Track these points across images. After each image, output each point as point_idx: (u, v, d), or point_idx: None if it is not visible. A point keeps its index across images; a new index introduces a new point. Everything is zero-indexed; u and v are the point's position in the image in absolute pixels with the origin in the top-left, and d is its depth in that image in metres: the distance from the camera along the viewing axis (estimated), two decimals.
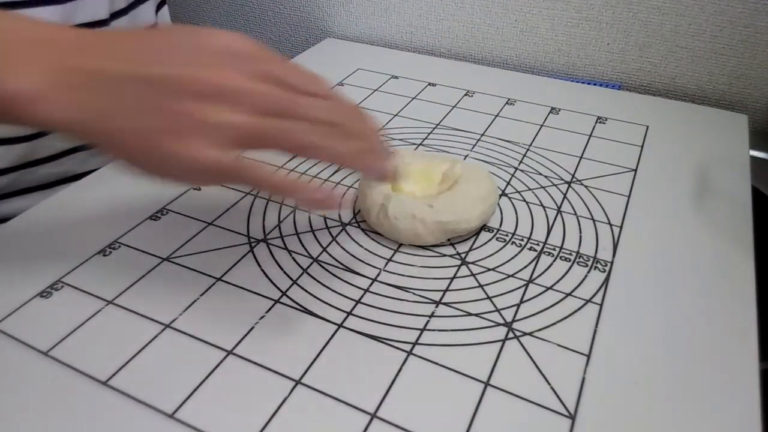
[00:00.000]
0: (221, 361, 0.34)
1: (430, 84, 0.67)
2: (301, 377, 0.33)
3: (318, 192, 0.32)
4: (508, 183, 0.50)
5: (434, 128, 0.58)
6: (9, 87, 0.28)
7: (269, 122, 0.29)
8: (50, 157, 0.53)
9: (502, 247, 0.43)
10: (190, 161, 0.29)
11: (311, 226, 0.45)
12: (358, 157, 0.32)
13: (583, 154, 0.54)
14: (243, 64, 0.30)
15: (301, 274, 0.40)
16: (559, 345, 0.35)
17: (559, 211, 0.46)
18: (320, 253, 0.42)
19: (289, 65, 0.31)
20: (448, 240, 0.43)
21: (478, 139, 0.56)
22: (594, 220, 0.45)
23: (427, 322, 0.37)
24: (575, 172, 0.51)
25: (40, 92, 0.28)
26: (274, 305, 0.38)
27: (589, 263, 0.41)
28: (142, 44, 0.30)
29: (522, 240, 0.43)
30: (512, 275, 0.40)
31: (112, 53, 0.30)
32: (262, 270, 0.41)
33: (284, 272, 0.40)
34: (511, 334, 0.36)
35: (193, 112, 0.28)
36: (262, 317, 0.37)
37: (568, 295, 0.39)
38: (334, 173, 0.51)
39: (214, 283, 0.39)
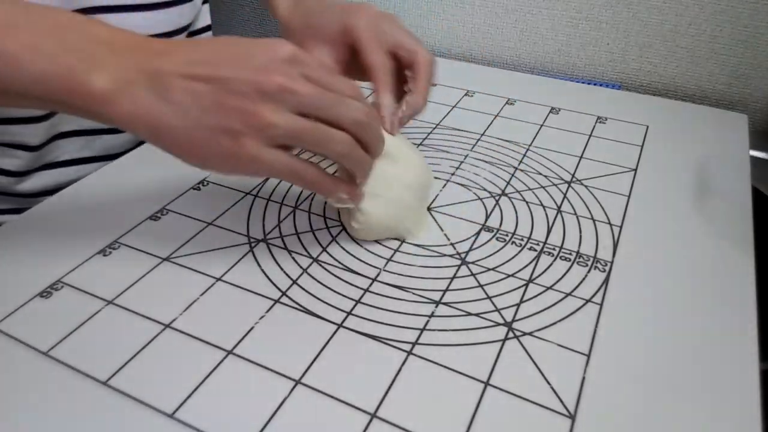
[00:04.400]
0: (221, 361, 0.34)
1: None
2: (301, 377, 0.33)
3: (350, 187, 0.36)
4: (508, 183, 0.50)
5: (434, 128, 0.58)
6: (94, 86, 0.31)
7: (316, 126, 0.34)
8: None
9: (502, 247, 0.43)
10: (247, 159, 0.33)
11: (311, 226, 0.45)
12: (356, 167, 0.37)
13: (583, 154, 0.54)
14: (300, 68, 0.34)
15: (301, 274, 0.40)
16: (559, 345, 0.35)
17: (559, 210, 0.46)
18: (320, 253, 0.42)
19: (323, 71, 0.36)
20: (449, 241, 0.43)
21: (478, 139, 0.56)
22: (594, 220, 0.45)
23: (427, 322, 0.37)
24: (575, 172, 0.51)
25: (116, 91, 0.32)
26: (274, 305, 0.38)
27: (589, 263, 0.41)
28: (213, 51, 0.34)
29: (522, 240, 0.43)
30: (512, 275, 0.40)
31: (185, 58, 0.33)
32: (262, 270, 0.41)
33: (284, 272, 0.40)
34: (511, 334, 0.36)
35: (257, 111, 0.32)
36: (262, 317, 0.37)
37: (568, 294, 0.39)
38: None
39: (214, 283, 0.39)
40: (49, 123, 0.51)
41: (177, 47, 0.34)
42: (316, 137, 0.34)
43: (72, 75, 0.31)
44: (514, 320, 0.37)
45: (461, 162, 0.53)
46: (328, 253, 0.42)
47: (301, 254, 0.42)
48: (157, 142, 0.33)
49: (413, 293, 0.39)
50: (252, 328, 0.36)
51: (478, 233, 0.44)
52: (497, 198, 0.48)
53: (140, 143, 0.61)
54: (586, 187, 0.49)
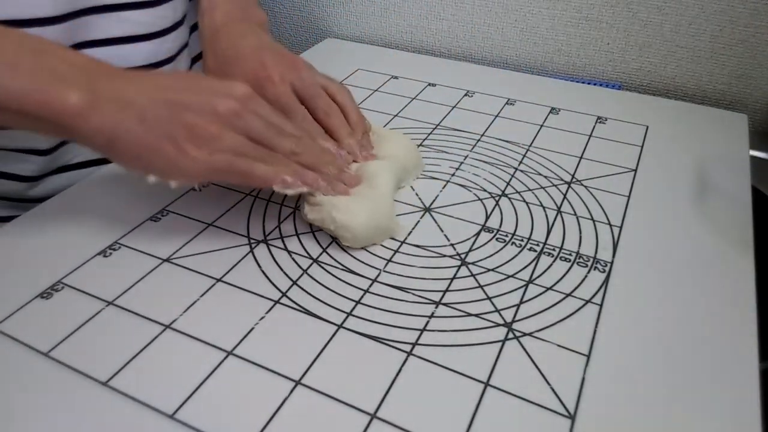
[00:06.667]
0: (221, 362, 0.34)
1: (430, 84, 0.67)
2: (301, 377, 0.33)
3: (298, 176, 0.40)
4: (508, 183, 0.50)
5: (434, 128, 0.58)
6: (67, 102, 0.34)
7: (256, 146, 0.39)
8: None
9: (501, 248, 0.43)
10: (187, 162, 0.36)
11: (311, 227, 0.45)
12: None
13: (583, 154, 0.54)
14: (252, 105, 0.39)
15: (301, 275, 0.40)
16: (559, 345, 0.35)
17: (558, 211, 0.46)
18: (320, 254, 0.42)
19: (272, 111, 0.41)
20: (449, 241, 0.43)
21: (478, 140, 0.56)
22: (594, 221, 0.45)
23: (427, 322, 0.37)
24: (575, 172, 0.51)
25: (87, 107, 0.35)
26: (274, 306, 0.38)
27: (589, 263, 0.41)
28: (178, 81, 0.39)
29: (522, 240, 0.43)
30: (512, 276, 0.40)
31: (153, 84, 0.38)
32: (262, 271, 0.41)
33: (284, 273, 0.41)
34: (510, 335, 0.36)
35: (205, 125, 0.36)
36: (262, 318, 0.37)
37: (568, 295, 0.39)
38: None
39: (214, 284, 0.39)
40: None
41: (146, 76, 0.39)
42: (256, 154, 0.38)
43: (48, 91, 0.34)
44: (514, 321, 0.37)
45: (461, 162, 0.53)
46: (328, 253, 0.42)
47: (301, 255, 0.42)
48: (111, 151, 0.37)
49: (413, 294, 0.39)
50: (252, 329, 0.36)
51: (477, 234, 0.44)
52: (497, 198, 0.48)
53: None
54: (585, 187, 0.49)
